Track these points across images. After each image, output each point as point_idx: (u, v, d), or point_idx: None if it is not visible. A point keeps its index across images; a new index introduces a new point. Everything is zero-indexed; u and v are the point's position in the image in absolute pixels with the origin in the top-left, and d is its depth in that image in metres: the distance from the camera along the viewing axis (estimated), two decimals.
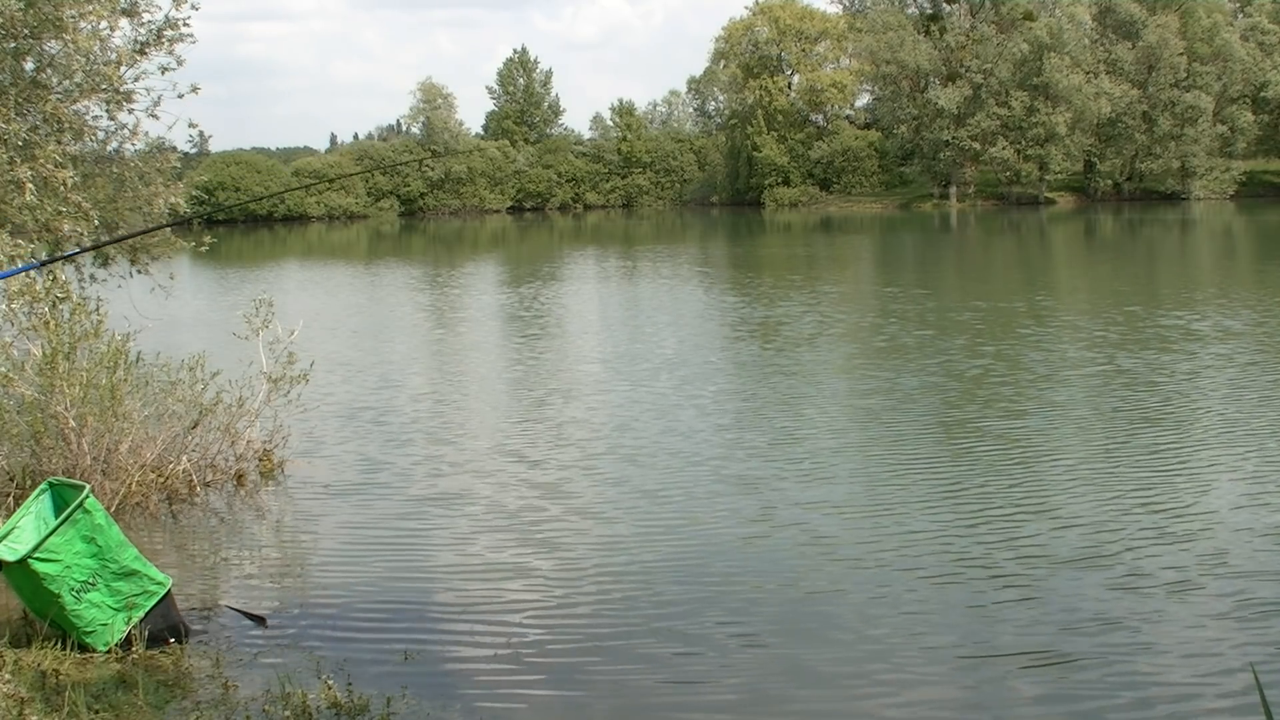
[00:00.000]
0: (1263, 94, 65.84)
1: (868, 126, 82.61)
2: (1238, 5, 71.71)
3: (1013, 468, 9.64)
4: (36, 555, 5.81)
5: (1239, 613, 6.31)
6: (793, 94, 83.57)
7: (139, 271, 14.68)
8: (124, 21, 12.25)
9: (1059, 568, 7.10)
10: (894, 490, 9.04)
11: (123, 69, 12.08)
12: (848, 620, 6.44)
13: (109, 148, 13.15)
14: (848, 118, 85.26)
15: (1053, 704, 5.41)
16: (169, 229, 13.81)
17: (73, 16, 11.32)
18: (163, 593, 6.18)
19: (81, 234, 11.68)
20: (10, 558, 5.88)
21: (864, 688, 5.66)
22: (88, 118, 12.51)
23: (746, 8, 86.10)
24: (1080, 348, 15.63)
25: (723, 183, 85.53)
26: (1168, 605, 6.46)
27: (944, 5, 74.83)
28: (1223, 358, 14.43)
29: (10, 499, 8.16)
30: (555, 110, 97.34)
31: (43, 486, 6.54)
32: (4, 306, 8.96)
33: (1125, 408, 11.76)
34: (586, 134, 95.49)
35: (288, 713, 5.31)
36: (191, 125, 13.54)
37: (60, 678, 5.65)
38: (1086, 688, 5.53)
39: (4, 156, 10.56)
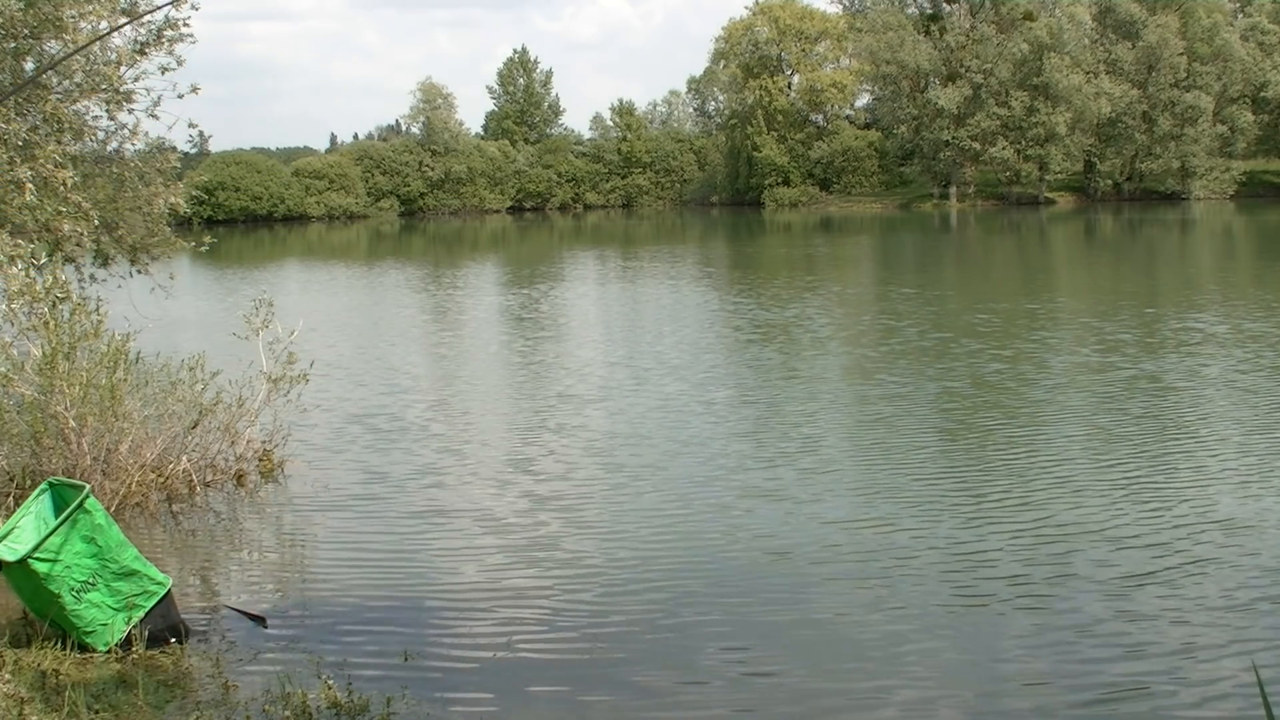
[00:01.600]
0: (1263, 94, 65.90)
1: (868, 126, 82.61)
2: (1238, 5, 71.73)
3: (1042, 479, 9.20)
4: (36, 555, 5.81)
5: None
6: (793, 94, 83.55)
7: (139, 271, 14.70)
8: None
9: (1093, 588, 6.73)
10: (917, 506, 8.55)
11: (123, 69, 12.09)
12: (866, 648, 6.09)
13: (109, 148, 13.17)
14: (848, 118, 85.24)
15: None
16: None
17: (73, 16, 11.32)
18: (163, 593, 6.18)
19: (81, 234, 11.70)
20: (10, 558, 5.88)
21: None
22: (88, 118, 12.53)
23: (746, 8, 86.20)
24: (1103, 352, 15.23)
25: (723, 183, 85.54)
26: (1211, 633, 6.10)
27: (944, 5, 74.99)
28: (1246, 361, 14.12)
29: (10, 499, 8.16)
30: (555, 110, 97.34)
31: (43, 486, 6.54)
32: (4, 306, 8.96)
33: (1158, 414, 11.43)
34: (586, 134, 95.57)
35: (288, 713, 5.31)
36: (191, 125, 13.60)
37: (60, 678, 5.65)
38: None
39: (4, 156, 10.56)
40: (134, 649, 6.00)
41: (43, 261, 9.95)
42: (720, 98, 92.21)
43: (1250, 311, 18.81)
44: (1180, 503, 8.46)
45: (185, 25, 12.50)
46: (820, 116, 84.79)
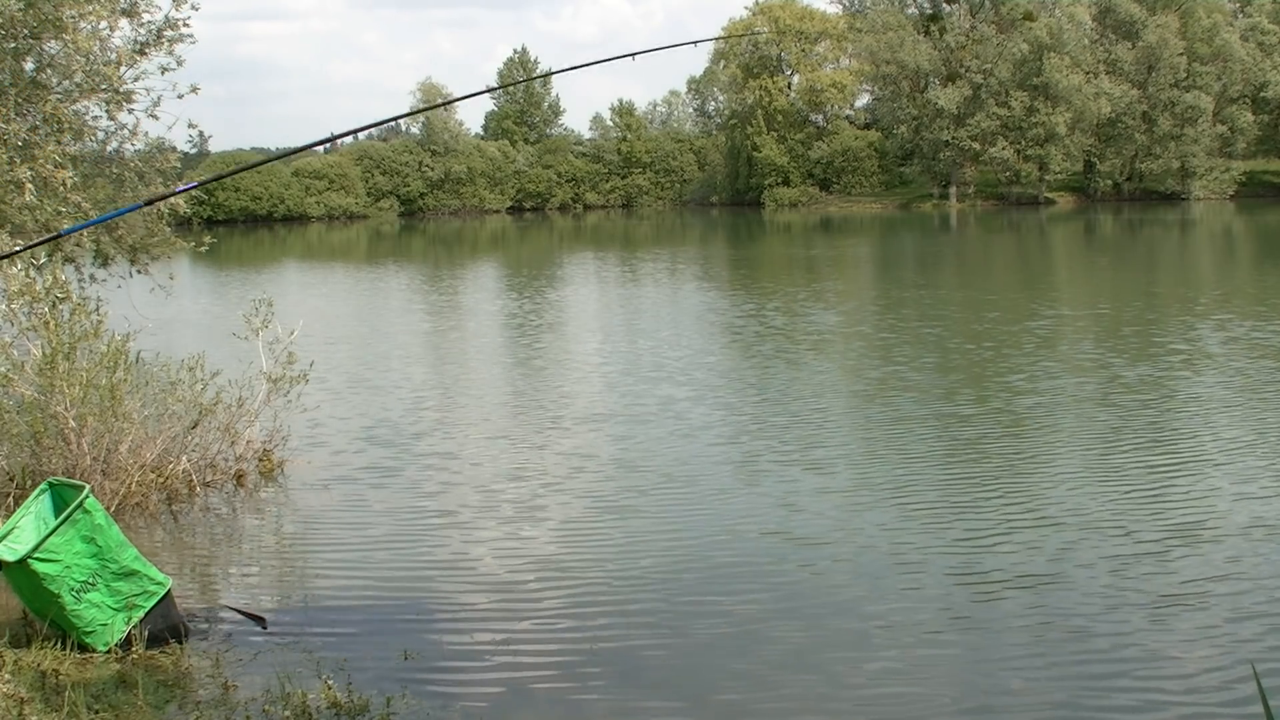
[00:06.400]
0: (1263, 94, 65.89)
1: (868, 126, 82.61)
2: (1238, 5, 71.75)
3: (1086, 506, 8.38)
4: (36, 555, 5.81)
5: None
6: (793, 94, 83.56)
7: (139, 271, 14.69)
8: (124, 21, 12.27)
9: (1148, 639, 6.07)
10: (948, 553, 7.51)
11: (123, 69, 12.09)
12: (874, 688, 5.64)
13: (109, 148, 13.16)
14: (848, 118, 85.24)
15: None
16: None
17: (73, 16, 11.32)
18: (163, 593, 6.18)
19: (81, 234, 11.70)
20: (10, 558, 5.87)
21: None
22: (88, 118, 12.52)
23: (746, 8, 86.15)
24: (1158, 365, 14.21)
25: (722, 183, 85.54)
26: (1211, 635, 6.02)
27: (944, 5, 74.90)
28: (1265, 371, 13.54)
29: (10, 499, 8.16)
30: (555, 110, 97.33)
31: (42, 486, 6.54)
32: (4, 306, 8.96)
33: (1221, 430, 10.72)
34: (586, 134, 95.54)
35: (288, 713, 5.31)
36: (191, 125, 13.55)
37: (60, 678, 5.65)
38: None
39: (4, 156, 10.56)
40: (134, 649, 5.99)
41: (43, 261, 9.95)
42: (720, 98, 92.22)
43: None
44: (1193, 510, 8.35)
45: (185, 25, 12.50)
46: (820, 116, 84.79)
